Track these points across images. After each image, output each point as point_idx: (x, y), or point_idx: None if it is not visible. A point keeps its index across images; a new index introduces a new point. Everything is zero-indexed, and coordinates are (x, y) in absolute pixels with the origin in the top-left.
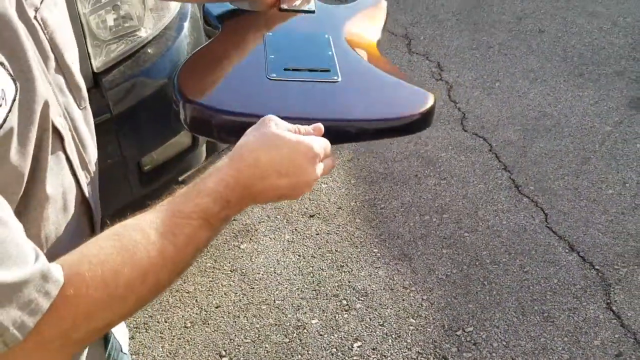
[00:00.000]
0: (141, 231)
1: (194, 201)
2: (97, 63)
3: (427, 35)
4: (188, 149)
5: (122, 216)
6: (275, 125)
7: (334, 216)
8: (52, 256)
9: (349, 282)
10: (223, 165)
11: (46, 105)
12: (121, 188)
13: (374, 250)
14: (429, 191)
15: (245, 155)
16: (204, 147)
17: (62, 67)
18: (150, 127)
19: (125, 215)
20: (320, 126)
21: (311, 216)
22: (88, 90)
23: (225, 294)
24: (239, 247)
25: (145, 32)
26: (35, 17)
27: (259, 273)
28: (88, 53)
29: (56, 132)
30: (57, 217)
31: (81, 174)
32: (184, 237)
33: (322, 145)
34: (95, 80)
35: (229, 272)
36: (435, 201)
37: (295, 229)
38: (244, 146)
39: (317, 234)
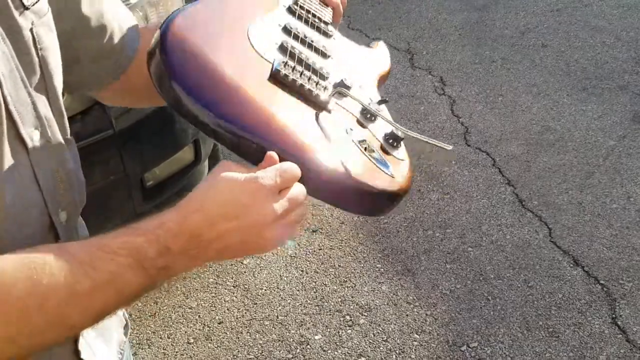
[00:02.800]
0: (57, 254)
1: (125, 238)
2: None
3: (430, 50)
4: (191, 164)
5: None
6: (226, 168)
7: (336, 231)
8: None
9: (352, 297)
10: (167, 211)
11: None
12: (124, 204)
13: (377, 265)
14: (432, 206)
15: (192, 201)
16: (206, 163)
17: (48, 89)
18: (153, 143)
19: None
20: (271, 155)
21: (314, 231)
22: (91, 107)
23: (228, 309)
24: (242, 263)
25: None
26: (31, 30)
27: (262, 288)
28: None
29: (22, 142)
30: (14, 240)
31: (55, 209)
32: (105, 274)
33: (273, 174)
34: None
35: (232, 287)
36: (438, 216)
37: (298, 244)
38: (191, 195)
39: (319, 249)
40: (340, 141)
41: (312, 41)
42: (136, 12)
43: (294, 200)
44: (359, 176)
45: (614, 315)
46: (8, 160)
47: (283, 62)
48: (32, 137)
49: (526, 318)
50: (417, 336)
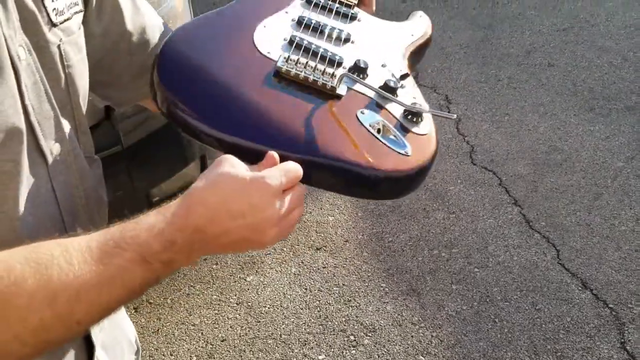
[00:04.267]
0: (64, 249)
1: (130, 233)
2: None
3: (435, 68)
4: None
5: None
6: (230, 165)
7: (341, 249)
8: None
9: (357, 317)
10: (170, 205)
11: (16, 131)
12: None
13: (382, 284)
14: (438, 225)
15: (195, 196)
16: None
17: (73, 106)
18: (160, 159)
19: None
20: (272, 155)
21: (318, 249)
22: (99, 123)
23: (231, 327)
24: (245, 280)
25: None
26: (59, 46)
27: (265, 306)
28: None
29: (41, 154)
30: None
31: (73, 226)
32: (112, 269)
33: (279, 175)
34: (106, 113)
35: (235, 305)
36: (444, 235)
37: (302, 262)
38: (194, 189)
39: (323, 267)
40: (349, 128)
41: (328, 28)
42: None
43: (296, 200)
44: (365, 162)
45: (622, 340)
46: (26, 171)
47: (285, 57)
48: (52, 150)
49: (534, 342)
50: (423, 358)
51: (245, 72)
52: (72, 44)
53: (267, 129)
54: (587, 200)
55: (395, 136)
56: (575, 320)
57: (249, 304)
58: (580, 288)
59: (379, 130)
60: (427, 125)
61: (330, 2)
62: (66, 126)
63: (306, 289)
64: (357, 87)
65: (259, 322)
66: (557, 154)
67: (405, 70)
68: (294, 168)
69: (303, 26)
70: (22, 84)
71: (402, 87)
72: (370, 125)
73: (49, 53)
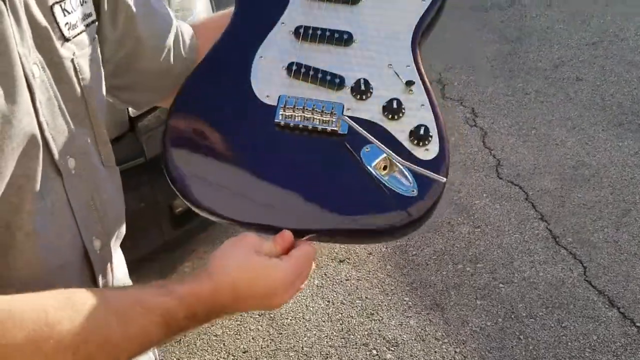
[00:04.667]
0: (98, 300)
1: (161, 298)
2: None
3: (462, 81)
4: None
5: (152, 259)
6: (255, 252)
7: (364, 262)
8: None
9: (379, 331)
10: (202, 278)
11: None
12: (153, 231)
13: (405, 298)
14: (463, 239)
15: (225, 275)
16: None
17: (91, 118)
18: None
19: (157, 257)
20: (288, 235)
21: (341, 261)
22: (123, 135)
23: (253, 338)
24: None
25: None
26: (72, 60)
27: (287, 318)
28: None
29: (56, 169)
30: (47, 266)
31: (89, 237)
32: (137, 328)
33: (300, 269)
34: (131, 125)
35: (258, 316)
36: (469, 250)
37: (325, 274)
38: (223, 268)
39: (346, 280)
40: (354, 179)
41: (327, 32)
42: None
43: (308, 275)
44: (371, 224)
45: None
46: (41, 186)
47: (282, 108)
48: (68, 165)
49: None
50: None
51: (249, 136)
52: (85, 57)
53: (277, 210)
54: (615, 217)
55: (400, 172)
56: (601, 338)
57: (271, 315)
58: (607, 306)
59: (384, 167)
60: (435, 145)
61: None
62: (83, 139)
63: (329, 302)
64: (360, 107)
65: (281, 334)
66: (584, 169)
67: (412, 65)
68: (312, 253)
69: (302, 38)
70: (36, 100)
71: (410, 92)
72: (375, 167)
73: (63, 68)
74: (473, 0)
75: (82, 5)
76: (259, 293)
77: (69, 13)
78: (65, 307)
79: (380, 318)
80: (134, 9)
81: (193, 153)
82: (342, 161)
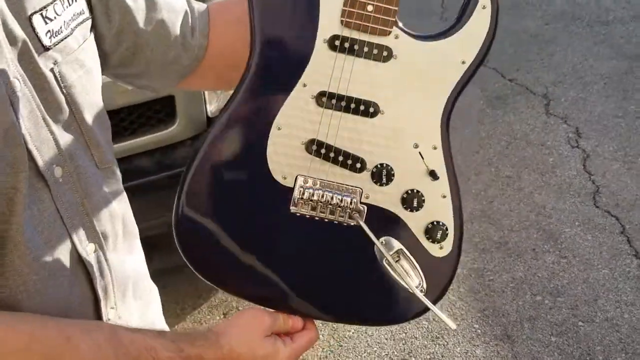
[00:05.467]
0: (111, 341)
1: (171, 354)
2: (212, 108)
3: (569, 98)
4: None
5: (180, 271)
6: (265, 333)
7: None
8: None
9: (443, 356)
10: (211, 344)
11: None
12: None
13: (475, 325)
14: (546, 269)
15: (231, 352)
16: None
17: (79, 123)
18: None
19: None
20: (297, 323)
21: None
22: (200, 134)
23: (312, 347)
24: None
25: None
26: (52, 70)
27: (349, 330)
28: (204, 98)
29: (43, 179)
30: (39, 273)
31: (82, 242)
32: None
33: (300, 353)
34: (208, 125)
35: (320, 324)
36: (550, 281)
37: None
38: (233, 341)
39: None
40: (368, 275)
41: (353, 101)
42: None
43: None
44: (379, 318)
45: None
46: (29, 197)
47: (300, 198)
48: (54, 173)
49: None
50: None
51: (262, 216)
52: (70, 62)
53: (286, 294)
54: None
55: (411, 265)
56: None
57: (334, 325)
58: None
59: (397, 259)
60: (449, 243)
61: (360, 38)
62: (72, 144)
63: None
64: (378, 194)
65: (341, 345)
66: None
67: (440, 147)
68: (313, 341)
69: (325, 106)
70: (19, 114)
71: (434, 178)
72: (387, 262)
73: (44, 78)
74: (594, 12)
75: (70, 5)
76: None
77: (51, 20)
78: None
79: (445, 343)
80: (129, 3)
81: (205, 226)
82: (356, 251)
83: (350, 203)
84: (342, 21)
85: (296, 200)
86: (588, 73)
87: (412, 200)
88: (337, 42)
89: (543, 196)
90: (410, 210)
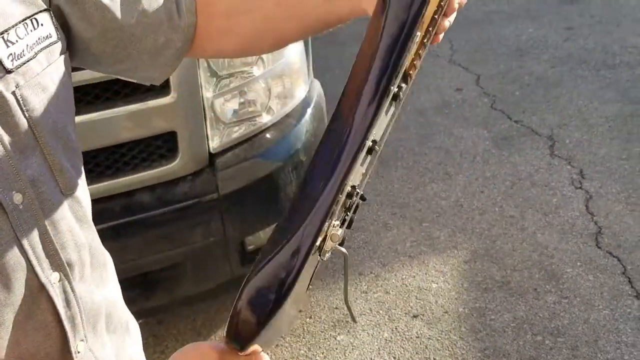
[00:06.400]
0: None
1: None
2: (214, 144)
3: (574, 139)
4: None
5: (215, 295)
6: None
7: (438, 320)
8: None
9: None
10: None
11: None
12: (221, 266)
13: None
14: (547, 309)
15: None
16: None
17: (42, 147)
18: (256, 209)
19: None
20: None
21: (414, 316)
22: (201, 170)
23: None
24: (335, 338)
25: (267, 118)
26: (13, 92)
27: None
28: (207, 134)
29: (2, 209)
30: (2, 297)
31: (44, 270)
32: None
33: None
34: (210, 160)
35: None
36: (551, 321)
37: (396, 328)
38: None
39: (417, 337)
40: None
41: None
42: (259, 83)
43: None
44: None
45: None
46: None
47: None
48: (13, 200)
49: None
50: None
51: None
52: (32, 86)
53: None
54: None
55: None
56: None
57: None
58: None
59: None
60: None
61: None
62: (34, 170)
63: (395, 358)
64: None
65: None
66: None
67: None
68: None
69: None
70: None
71: None
72: None
73: (5, 101)
74: (600, 56)
75: (35, 29)
76: None
77: (12, 43)
78: None
79: None
80: (105, 3)
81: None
82: None
83: None
84: None
85: None
86: (593, 115)
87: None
88: None
89: (546, 236)
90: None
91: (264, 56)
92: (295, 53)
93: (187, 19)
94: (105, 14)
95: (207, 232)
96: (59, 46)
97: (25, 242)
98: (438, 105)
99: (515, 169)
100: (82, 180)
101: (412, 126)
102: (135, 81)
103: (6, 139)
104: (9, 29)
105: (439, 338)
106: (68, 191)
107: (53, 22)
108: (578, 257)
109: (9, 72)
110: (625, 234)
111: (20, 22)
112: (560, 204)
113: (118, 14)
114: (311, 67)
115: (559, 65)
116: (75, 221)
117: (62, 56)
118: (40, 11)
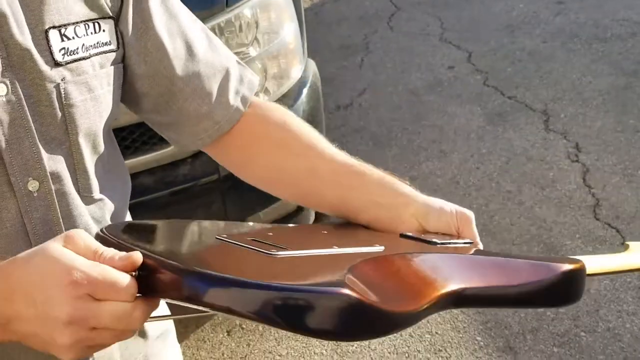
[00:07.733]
0: None
1: None
2: None
3: (569, 113)
4: (293, 212)
5: None
6: (61, 239)
7: None
8: None
9: None
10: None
11: None
12: None
13: (477, 337)
14: None
15: (10, 264)
16: (312, 211)
17: (72, 144)
18: (256, 190)
19: None
20: (135, 257)
21: None
22: (202, 152)
23: None
24: None
25: (264, 99)
26: (57, 85)
27: (352, 345)
28: None
29: (11, 188)
30: None
31: None
32: None
33: (91, 272)
34: None
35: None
36: None
37: None
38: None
39: None
40: None
41: None
42: (255, 64)
43: (109, 317)
44: None
45: None
46: None
47: None
48: (27, 186)
49: None
50: None
51: None
52: (79, 83)
53: None
54: None
55: None
56: None
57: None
58: None
59: None
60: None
61: None
62: (56, 164)
63: (397, 333)
64: None
65: None
66: None
67: None
68: (121, 278)
69: None
70: None
71: None
72: None
73: (44, 90)
74: (592, 30)
75: (96, 32)
76: (31, 289)
77: (68, 39)
78: None
79: (448, 356)
80: (167, 47)
81: None
82: None
83: None
84: None
85: None
86: (587, 89)
87: None
88: None
89: (544, 210)
90: None
91: (259, 36)
92: (290, 33)
93: (237, 102)
94: (163, 58)
95: (208, 214)
96: (113, 55)
97: (32, 230)
98: (430, 84)
99: (511, 144)
100: (110, 186)
101: (405, 105)
102: (163, 136)
103: (35, 126)
104: (68, 24)
105: (440, 312)
106: (85, 192)
107: (116, 32)
108: (577, 229)
109: (57, 64)
110: (623, 205)
111: (81, 22)
112: (557, 178)
113: (175, 64)
114: (306, 47)
115: (550, 40)
116: (92, 221)
117: (118, 65)
118: (105, 17)
